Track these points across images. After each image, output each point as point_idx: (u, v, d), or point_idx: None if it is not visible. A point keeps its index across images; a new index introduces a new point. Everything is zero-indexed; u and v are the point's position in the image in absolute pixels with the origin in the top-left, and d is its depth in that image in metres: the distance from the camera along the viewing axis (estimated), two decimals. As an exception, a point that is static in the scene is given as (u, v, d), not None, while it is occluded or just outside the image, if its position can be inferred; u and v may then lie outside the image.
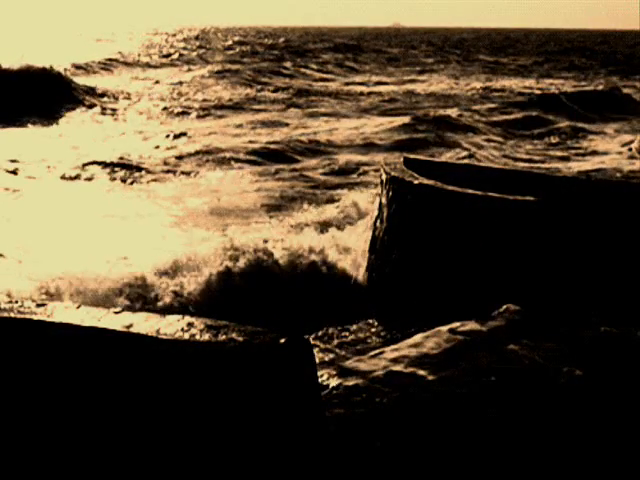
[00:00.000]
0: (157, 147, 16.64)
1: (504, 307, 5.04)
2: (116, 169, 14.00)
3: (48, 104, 22.30)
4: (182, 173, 14.01)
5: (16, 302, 3.03)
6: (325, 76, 39.05)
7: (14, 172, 13.43)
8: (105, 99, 25.87)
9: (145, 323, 2.90)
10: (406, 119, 20.51)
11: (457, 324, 4.73)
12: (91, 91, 26.55)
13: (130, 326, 2.87)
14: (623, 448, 3.43)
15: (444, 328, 4.68)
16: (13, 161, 14.27)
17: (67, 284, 6.93)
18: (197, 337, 2.82)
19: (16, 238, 9.04)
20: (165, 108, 23.80)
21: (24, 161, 14.35)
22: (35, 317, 2.88)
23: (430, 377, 3.90)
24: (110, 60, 41.24)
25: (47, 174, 13.46)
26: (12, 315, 2.90)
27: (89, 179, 13.24)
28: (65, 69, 30.66)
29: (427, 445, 3.35)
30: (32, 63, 25.16)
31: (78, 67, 35.43)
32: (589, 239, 5.88)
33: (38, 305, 3.01)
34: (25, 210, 10.75)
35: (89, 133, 18.88)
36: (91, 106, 23.96)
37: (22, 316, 2.90)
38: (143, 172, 13.92)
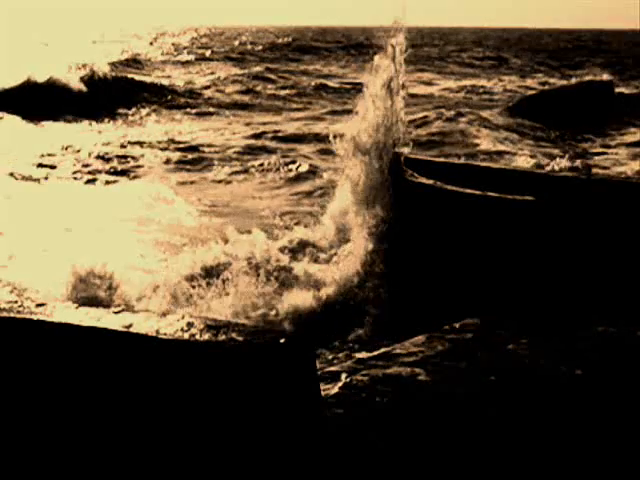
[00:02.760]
0: (160, 147, 16.67)
1: (503, 307, 5.04)
2: (121, 169, 14.06)
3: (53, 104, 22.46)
4: (185, 172, 14.06)
5: (16, 302, 3.03)
6: (329, 74, 39.05)
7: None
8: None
9: (145, 323, 2.89)
10: (407, 118, 20.47)
11: (457, 324, 4.73)
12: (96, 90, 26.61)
13: (130, 326, 2.86)
14: (623, 447, 3.43)
15: (444, 328, 4.68)
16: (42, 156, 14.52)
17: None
18: (197, 337, 2.82)
19: (21, 239, 9.04)
20: (168, 107, 23.88)
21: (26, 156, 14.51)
22: (35, 317, 2.88)
23: (430, 377, 3.90)
24: (114, 60, 41.18)
25: (49, 171, 13.51)
26: (12, 315, 2.90)
27: (95, 178, 13.29)
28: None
29: (427, 445, 3.35)
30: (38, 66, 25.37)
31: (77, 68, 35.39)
32: (589, 239, 5.88)
33: (38, 305, 3.01)
34: (29, 208, 10.77)
35: (93, 133, 18.93)
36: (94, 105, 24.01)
37: (22, 316, 2.90)
38: (146, 172, 13.97)
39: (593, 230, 5.91)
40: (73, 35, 73.47)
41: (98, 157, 14.95)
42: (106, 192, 12.29)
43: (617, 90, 27.02)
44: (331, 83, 33.42)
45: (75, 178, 13.23)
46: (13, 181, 12.76)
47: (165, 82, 31.52)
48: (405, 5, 7.37)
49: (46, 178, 13.13)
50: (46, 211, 10.54)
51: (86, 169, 13.88)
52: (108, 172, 13.76)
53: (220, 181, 13.51)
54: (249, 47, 63.56)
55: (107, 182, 13.10)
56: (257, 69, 37.44)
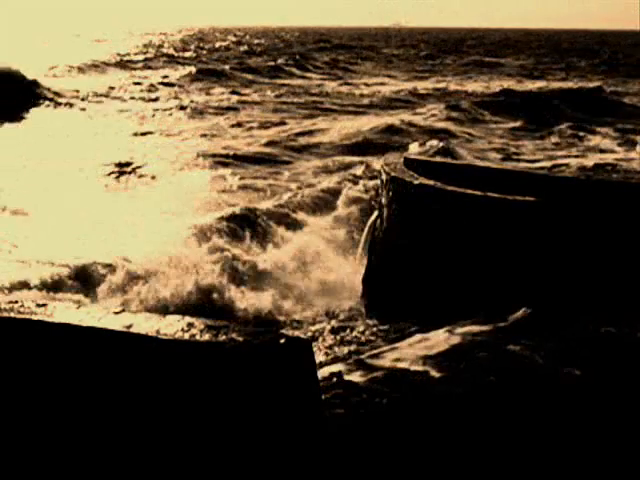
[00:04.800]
0: (152, 147, 16.63)
1: (504, 307, 5.04)
2: (109, 170, 14.01)
3: (15, 106, 22.43)
4: (176, 173, 14.00)
5: (16, 302, 3.03)
6: (324, 76, 39.07)
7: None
8: (101, 100, 25.93)
9: (145, 323, 2.89)
10: (406, 118, 20.50)
11: (457, 324, 4.73)
12: (88, 91, 26.68)
13: (130, 326, 2.86)
14: (622, 447, 3.43)
15: (444, 328, 4.68)
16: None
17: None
18: (197, 337, 2.82)
19: (18, 236, 9.08)
20: (160, 109, 23.82)
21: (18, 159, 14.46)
22: (35, 317, 2.88)
23: (430, 377, 3.90)
24: (108, 60, 41.27)
25: (41, 173, 13.47)
26: (12, 315, 2.90)
27: (83, 180, 13.23)
28: (37, 73, 30.56)
29: (427, 445, 3.35)
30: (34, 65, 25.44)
31: (73, 68, 35.47)
32: (589, 239, 5.88)
33: (38, 305, 3.01)
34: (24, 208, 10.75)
35: (85, 133, 18.88)
36: (84, 109, 24.03)
37: (22, 316, 2.89)
38: (138, 172, 13.92)
39: (593, 230, 5.91)
40: (73, 34, 73.45)
41: (99, 158, 14.90)
42: (108, 194, 12.27)
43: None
44: (325, 85, 33.43)
45: (77, 179, 13.20)
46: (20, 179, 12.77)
47: (150, 83, 31.52)
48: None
49: (49, 179, 13.12)
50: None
51: (87, 170, 13.82)
52: (108, 174, 13.71)
53: (204, 180, 13.43)
54: (241, 48, 63.50)
55: (95, 186, 13.07)
56: (249, 71, 37.41)
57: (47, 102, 24.18)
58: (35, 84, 25.58)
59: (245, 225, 9.42)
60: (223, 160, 15.06)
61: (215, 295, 7.28)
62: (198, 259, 7.90)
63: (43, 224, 9.76)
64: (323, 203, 10.92)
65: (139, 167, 14.25)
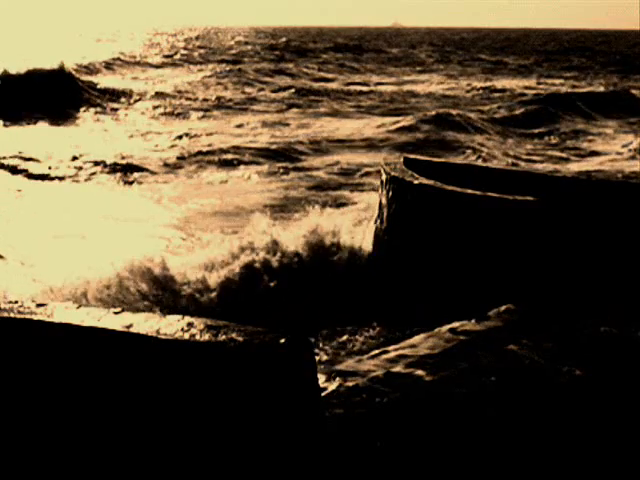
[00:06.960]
0: (160, 147, 16.64)
1: (504, 307, 5.04)
2: (119, 169, 14.00)
3: (54, 103, 22.42)
4: (185, 173, 14.01)
5: (16, 302, 3.03)
6: (326, 76, 39.05)
7: (18, 170, 13.46)
8: (108, 99, 25.94)
9: (145, 323, 2.89)
10: (406, 119, 20.51)
11: (457, 324, 4.73)
12: (95, 91, 26.66)
13: (130, 326, 2.86)
14: (622, 447, 3.43)
15: (444, 328, 4.68)
16: (18, 157, 14.33)
17: (64, 289, 6.92)
18: (197, 337, 2.82)
19: (17, 239, 9.05)
20: (167, 108, 23.82)
21: (29, 159, 14.38)
22: (35, 317, 2.88)
23: (430, 377, 3.90)
24: (112, 60, 41.28)
25: (51, 173, 13.47)
26: (12, 315, 2.90)
27: (92, 179, 13.24)
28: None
29: (427, 445, 3.35)
30: (38, 64, 25.41)
31: (81, 67, 35.49)
32: (589, 239, 5.88)
33: (38, 305, 3.01)
34: (27, 210, 10.74)
35: (93, 133, 18.89)
36: (95, 105, 24.06)
37: (22, 316, 2.90)
38: (146, 172, 13.92)
39: (593, 230, 5.91)
40: (75, 34, 73.44)
41: (97, 160, 14.86)
42: (101, 193, 12.26)
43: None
44: (326, 85, 33.39)
45: (75, 180, 13.18)
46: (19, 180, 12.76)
47: (157, 82, 31.52)
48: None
49: (45, 179, 13.10)
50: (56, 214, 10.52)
51: (80, 171, 13.78)
52: (101, 172, 13.69)
53: (215, 181, 13.43)
54: (244, 48, 63.48)
55: (98, 181, 13.06)
56: (252, 70, 37.41)
57: (70, 102, 24.19)
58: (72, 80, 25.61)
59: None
60: (232, 162, 15.08)
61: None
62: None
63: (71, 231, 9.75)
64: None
65: (151, 168, 14.26)
